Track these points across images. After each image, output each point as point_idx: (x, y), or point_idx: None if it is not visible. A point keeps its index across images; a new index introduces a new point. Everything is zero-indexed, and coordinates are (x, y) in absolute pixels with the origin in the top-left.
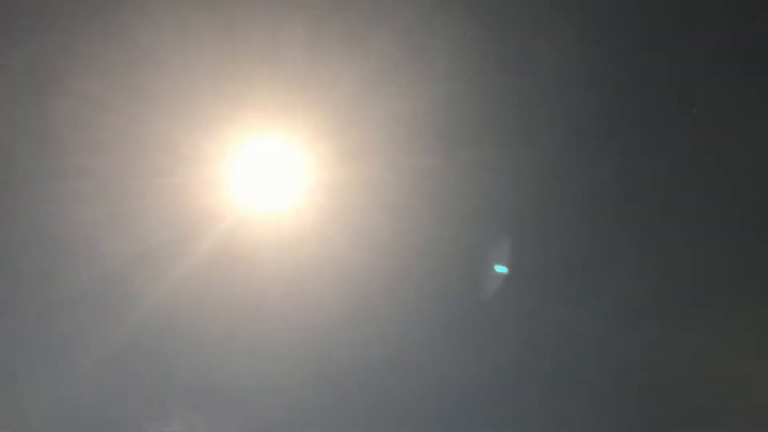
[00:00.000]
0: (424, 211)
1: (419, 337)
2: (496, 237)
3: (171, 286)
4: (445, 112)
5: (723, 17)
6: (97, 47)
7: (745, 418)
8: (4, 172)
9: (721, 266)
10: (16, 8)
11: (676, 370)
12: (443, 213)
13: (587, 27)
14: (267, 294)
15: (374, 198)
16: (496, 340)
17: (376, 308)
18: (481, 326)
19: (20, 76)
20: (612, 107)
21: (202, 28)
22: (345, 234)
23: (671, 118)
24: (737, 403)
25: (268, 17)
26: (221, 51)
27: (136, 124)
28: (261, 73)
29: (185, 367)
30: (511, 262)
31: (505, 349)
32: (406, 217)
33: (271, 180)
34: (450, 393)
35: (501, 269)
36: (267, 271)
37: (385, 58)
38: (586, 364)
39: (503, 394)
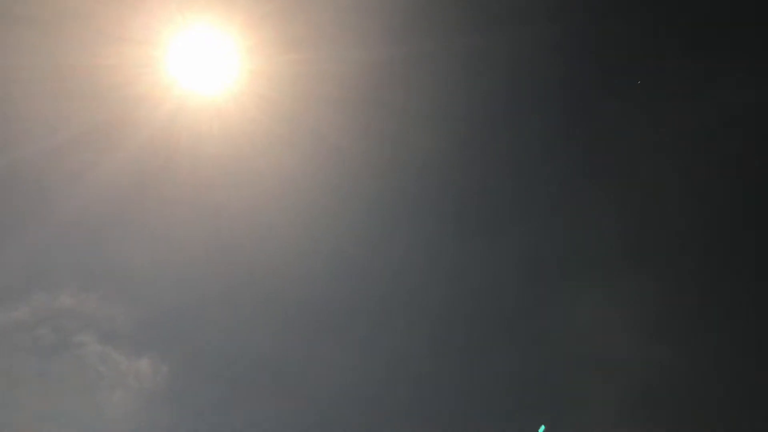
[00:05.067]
0: (369, 105)
1: (358, 229)
2: (445, 134)
3: (106, 171)
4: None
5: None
6: None
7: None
8: None
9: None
10: None
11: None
12: (390, 108)
13: None
14: (206, 184)
15: (317, 90)
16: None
17: (316, 203)
18: (423, 221)
19: None
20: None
21: None
22: (286, 126)
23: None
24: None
25: None
26: None
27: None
28: None
29: (111, 248)
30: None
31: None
32: (350, 110)
33: (208, 66)
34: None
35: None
36: (205, 162)
37: None
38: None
39: None
